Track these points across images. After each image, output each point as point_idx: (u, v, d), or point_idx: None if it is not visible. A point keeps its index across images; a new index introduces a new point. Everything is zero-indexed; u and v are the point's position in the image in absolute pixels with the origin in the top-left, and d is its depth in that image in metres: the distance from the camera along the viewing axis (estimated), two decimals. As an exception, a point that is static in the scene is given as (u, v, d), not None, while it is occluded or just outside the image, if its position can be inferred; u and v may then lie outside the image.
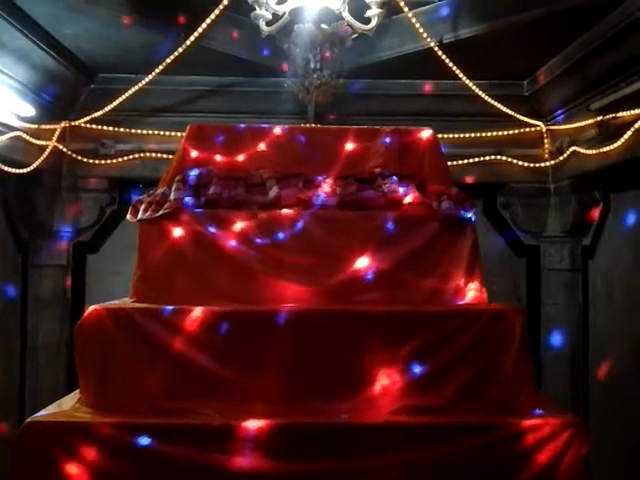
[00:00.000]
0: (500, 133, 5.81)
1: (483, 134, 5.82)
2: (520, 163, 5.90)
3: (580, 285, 5.94)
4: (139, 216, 3.55)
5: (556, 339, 6.00)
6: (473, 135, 5.81)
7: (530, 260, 6.27)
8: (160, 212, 3.50)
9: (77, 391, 3.37)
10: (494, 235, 6.23)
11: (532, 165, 5.88)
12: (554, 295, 6.08)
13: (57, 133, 5.47)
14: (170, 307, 3.27)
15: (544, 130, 5.77)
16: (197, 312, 3.23)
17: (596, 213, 5.68)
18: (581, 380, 5.84)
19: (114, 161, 5.83)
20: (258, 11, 4.15)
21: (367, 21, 4.19)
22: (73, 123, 5.54)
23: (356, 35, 4.20)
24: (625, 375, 5.06)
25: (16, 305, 5.74)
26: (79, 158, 5.73)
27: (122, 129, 5.74)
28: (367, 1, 4.13)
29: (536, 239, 6.20)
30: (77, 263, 6.11)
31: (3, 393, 5.47)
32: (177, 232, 3.51)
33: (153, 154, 5.80)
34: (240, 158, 3.76)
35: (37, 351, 5.84)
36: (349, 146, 3.81)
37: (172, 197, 3.54)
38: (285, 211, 3.60)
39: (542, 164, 5.85)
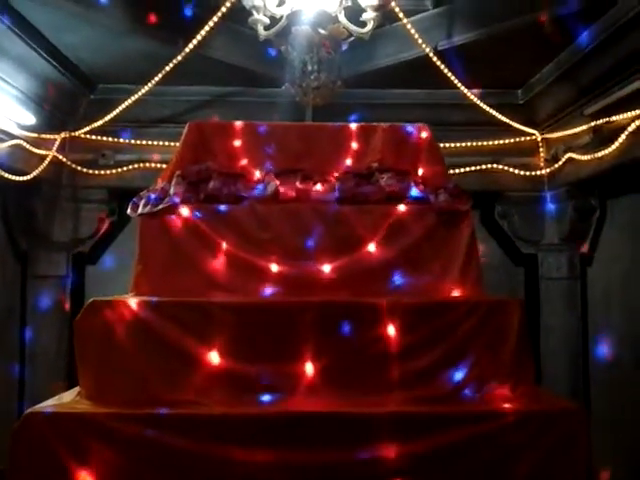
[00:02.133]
0: (496, 142, 5.86)
1: (479, 143, 5.88)
2: (516, 172, 5.95)
3: (579, 293, 5.95)
4: (139, 210, 3.58)
5: (556, 348, 5.99)
6: (469, 144, 5.88)
7: (528, 269, 6.29)
8: (160, 206, 3.53)
9: (77, 387, 3.36)
10: (492, 244, 6.25)
11: (528, 173, 5.94)
12: (553, 303, 6.10)
13: (57, 143, 5.51)
14: (169, 299, 3.28)
15: (539, 139, 5.84)
16: (196, 304, 3.26)
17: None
18: (582, 388, 5.82)
19: (114, 172, 5.88)
20: (256, 16, 4.23)
21: (363, 25, 4.28)
22: (73, 133, 5.58)
23: (352, 38, 4.27)
24: (625, 381, 5.05)
25: (15, 315, 5.73)
26: (79, 168, 5.77)
27: (122, 140, 5.80)
28: (363, 5, 4.22)
29: (534, 248, 6.24)
30: (76, 274, 6.12)
31: (1, 404, 5.43)
32: (177, 226, 3.54)
33: (153, 165, 5.83)
34: (239, 154, 3.80)
35: (36, 361, 5.81)
36: (347, 142, 3.85)
37: (172, 191, 3.57)
38: (284, 206, 3.62)
39: (538, 172, 5.91)
